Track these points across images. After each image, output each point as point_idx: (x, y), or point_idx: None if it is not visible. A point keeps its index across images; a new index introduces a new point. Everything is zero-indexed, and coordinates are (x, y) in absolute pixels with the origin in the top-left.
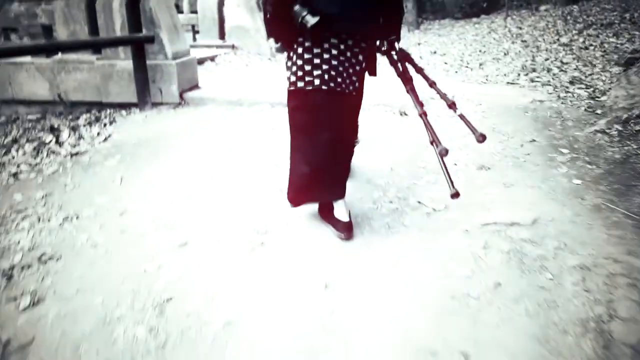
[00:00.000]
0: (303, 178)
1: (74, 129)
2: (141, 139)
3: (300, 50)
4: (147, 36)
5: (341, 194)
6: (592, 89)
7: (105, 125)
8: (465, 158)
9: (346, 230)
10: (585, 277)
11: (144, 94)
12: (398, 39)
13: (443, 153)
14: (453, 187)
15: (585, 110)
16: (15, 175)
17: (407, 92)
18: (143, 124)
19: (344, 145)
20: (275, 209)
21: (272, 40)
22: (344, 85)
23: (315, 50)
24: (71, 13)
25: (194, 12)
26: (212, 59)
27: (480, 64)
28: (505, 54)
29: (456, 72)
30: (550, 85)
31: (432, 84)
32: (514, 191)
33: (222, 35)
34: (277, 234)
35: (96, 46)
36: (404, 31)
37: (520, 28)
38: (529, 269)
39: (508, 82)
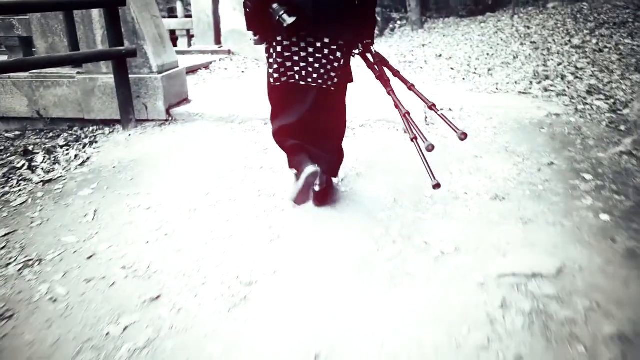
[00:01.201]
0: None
1: (49, 151)
2: (122, 162)
3: (279, 48)
4: (128, 50)
5: (329, 173)
6: (612, 101)
7: (84, 146)
8: (476, 185)
9: (317, 197)
10: (626, 352)
11: (127, 111)
12: (372, 42)
13: (430, 149)
14: (434, 178)
15: (607, 126)
16: None
17: (388, 94)
18: (125, 145)
19: (328, 135)
20: (263, 252)
21: (251, 32)
22: (320, 81)
23: (294, 49)
24: (49, 24)
25: (189, 16)
26: (207, 66)
27: (489, 70)
28: (514, 58)
29: (463, 79)
30: (566, 95)
31: (410, 87)
32: (533, 229)
33: (218, 40)
34: (263, 286)
35: (72, 62)
36: (407, 30)
37: (529, 27)
38: (556, 337)
39: (520, 92)
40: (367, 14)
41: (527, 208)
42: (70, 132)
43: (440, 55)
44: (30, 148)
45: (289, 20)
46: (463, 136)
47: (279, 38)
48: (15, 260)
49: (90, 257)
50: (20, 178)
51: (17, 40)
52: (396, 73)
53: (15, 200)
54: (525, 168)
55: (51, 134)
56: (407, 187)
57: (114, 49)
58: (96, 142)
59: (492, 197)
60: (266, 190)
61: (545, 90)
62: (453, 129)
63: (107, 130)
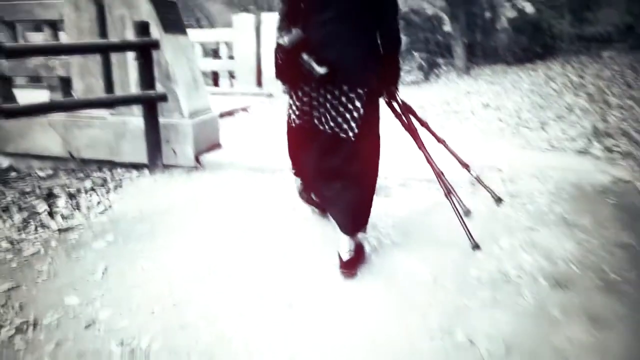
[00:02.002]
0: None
1: (72, 196)
2: (143, 211)
3: (299, 92)
4: (158, 94)
5: (344, 229)
6: None
7: (108, 191)
8: (532, 266)
9: (343, 267)
10: None
11: (155, 156)
12: (396, 89)
13: (465, 215)
14: (473, 239)
15: None
16: None
17: (419, 148)
18: (150, 192)
19: (351, 186)
20: (278, 336)
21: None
22: (337, 129)
23: (313, 94)
24: (87, 66)
25: (232, 57)
26: (245, 109)
27: (542, 124)
28: (569, 111)
29: (513, 132)
30: (634, 157)
31: (441, 141)
32: (605, 333)
33: (259, 82)
34: None
35: (100, 106)
36: (452, 76)
37: (582, 77)
38: None
39: (578, 151)
40: (391, 61)
41: (597, 303)
42: (99, 174)
43: (488, 105)
44: (55, 191)
45: (321, 70)
46: (499, 202)
47: (301, 84)
48: (10, 323)
49: (89, 326)
50: (39, 224)
51: (57, 80)
52: (424, 124)
53: (28, 249)
54: (591, 248)
55: (81, 175)
56: (450, 263)
57: (144, 93)
58: (121, 186)
59: (551, 284)
60: (290, 255)
61: (609, 150)
62: (489, 193)
63: (134, 174)
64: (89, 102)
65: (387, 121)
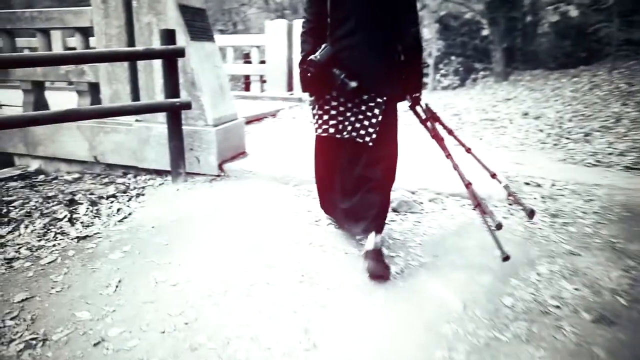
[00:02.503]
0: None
1: (93, 203)
2: (162, 221)
3: (334, 103)
4: (182, 102)
5: (363, 231)
6: None
7: (130, 198)
8: (573, 296)
9: (371, 260)
10: None
11: (178, 164)
12: (420, 95)
13: (497, 229)
14: (502, 250)
15: None
16: (9, 262)
17: (447, 157)
18: (171, 201)
19: (371, 189)
20: None
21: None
22: (354, 134)
23: (333, 103)
24: (115, 72)
25: (263, 61)
26: (274, 114)
27: (586, 135)
28: (616, 121)
29: (555, 144)
30: None
31: (468, 150)
32: None
33: (290, 87)
34: None
35: (123, 113)
36: (490, 82)
37: (631, 84)
38: None
39: (628, 167)
40: (413, 68)
41: None
42: (123, 179)
43: (527, 114)
44: (78, 197)
45: (352, 84)
46: (531, 215)
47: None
48: (20, 336)
49: (97, 343)
50: (59, 231)
51: (87, 85)
52: (450, 132)
53: (45, 257)
54: None
55: (106, 180)
56: (482, 289)
57: (168, 101)
58: (143, 194)
59: (595, 318)
60: (310, 274)
61: None
62: (520, 205)
63: (157, 181)
64: (111, 111)
65: (414, 131)
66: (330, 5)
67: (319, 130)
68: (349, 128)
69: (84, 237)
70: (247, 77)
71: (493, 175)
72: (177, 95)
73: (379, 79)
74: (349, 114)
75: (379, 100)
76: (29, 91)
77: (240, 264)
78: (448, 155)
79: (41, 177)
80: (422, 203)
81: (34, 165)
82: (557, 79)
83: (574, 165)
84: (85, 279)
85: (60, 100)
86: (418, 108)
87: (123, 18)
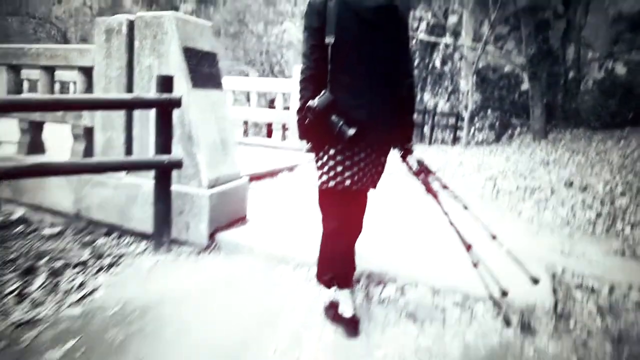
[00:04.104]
0: (337, 266)
1: (55, 273)
2: (127, 306)
3: (332, 152)
4: (172, 161)
5: (349, 282)
6: None
7: (100, 269)
8: None
9: (350, 326)
10: None
11: (162, 231)
12: (411, 145)
13: (502, 296)
14: (507, 316)
15: None
16: None
17: (444, 214)
18: (145, 278)
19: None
20: None
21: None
22: (367, 183)
23: (347, 153)
24: (110, 118)
25: (287, 108)
26: (291, 169)
27: None
28: None
29: (607, 230)
30: None
31: (465, 208)
32: None
33: None
34: None
35: (101, 170)
36: (527, 139)
37: None
38: None
39: None
40: (406, 118)
41: None
42: (104, 240)
43: (572, 183)
44: (40, 263)
45: (350, 132)
46: (535, 283)
47: (331, 145)
48: None
49: None
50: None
51: (83, 129)
52: (445, 187)
53: None
54: None
55: (87, 238)
56: None
57: (156, 158)
58: (117, 264)
59: None
60: None
61: None
62: (524, 271)
63: (139, 247)
64: (86, 166)
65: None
66: (332, 54)
67: (332, 183)
68: (364, 179)
69: (26, 322)
70: (270, 124)
71: (493, 237)
72: (168, 151)
73: (385, 129)
74: (362, 165)
75: (385, 148)
76: (26, 131)
77: None
78: (446, 213)
79: (21, 227)
80: (444, 310)
81: (18, 212)
82: (602, 141)
83: (636, 263)
84: None
85: (65, 133)
86: (410, 159)
87: (125, 59)
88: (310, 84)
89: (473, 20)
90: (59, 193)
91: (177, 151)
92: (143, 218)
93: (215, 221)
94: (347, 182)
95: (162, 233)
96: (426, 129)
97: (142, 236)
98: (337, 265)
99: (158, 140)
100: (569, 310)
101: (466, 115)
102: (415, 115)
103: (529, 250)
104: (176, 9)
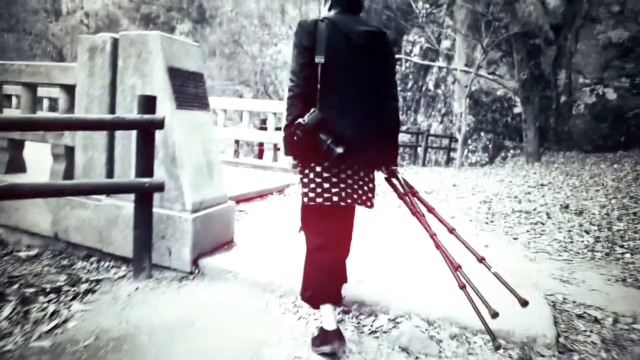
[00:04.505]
0: (320, 282)
1: (25, 301)
2: (100, 338)
3: (318, 168)
4: (153, 184)
5: (338, 298)
6: None
7: (75, 297)
8: None
9: (334, 339)
10: None
11: (142, 257)
12: (396, 166)
13: (492, 317)
14: (495, 339)
15: None
16: None
17: (431, 237)
18: (123, 305)
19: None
20: None
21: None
22: (359, 201)
23: (333, 170)
24: (92, 137)
25: (279, 128)
26: (281, 190)
27: None
28: None
29: (607, 254)
30: None
31: (451, 231)
32: None
33: None
34: None
35: (77, 193)
36: (521, 162)
37: None
38: None
39: None
40: (392, 140)
41: None
42: (84, 264)
43: (567, 207)
44: (10, 290)
45: (338, 150)
46: (525, 305)
47: (318, 162)
48: None
49: None
50: None
51: (64, 148)
52: (431, 209)
53: None
54: None
55: (65, 261)
56: None
57: (136, 180)
58: (94, 291)
59: None
60: None
61: None
62: (514, 295)
63: (119, 272)
64: (61, 188)
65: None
66: (321, 74)
67: (314, 197)
68: (355, 196)
69: None
70: (261, 144)
71: (481, 260)
72: (149, 174)
73: (373, 147)
74: (350, 181)
75: (371, 167)
76: (5, 149)
77: None
78: (432, 235)
79: None
80: (441, 341)
81: None
82: (595, 164)
83: (639, 291)
84: None
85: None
86: (395, 181)
87: (108, 78)
88: (298, 102)
89: (466, 45)
90: (36, 214)
91: (160, 173)
92: (124, 242)
93: (199, 246)
94: (335, 198)
95: (142, 259)
96: (420, 150)
97: (123, 260)
98: (319, 282)
99: (139, 163)
100: (571, 342)
101: (460, 137)
102: (408, 137)
103: (526, 276)
104: (173, 29)
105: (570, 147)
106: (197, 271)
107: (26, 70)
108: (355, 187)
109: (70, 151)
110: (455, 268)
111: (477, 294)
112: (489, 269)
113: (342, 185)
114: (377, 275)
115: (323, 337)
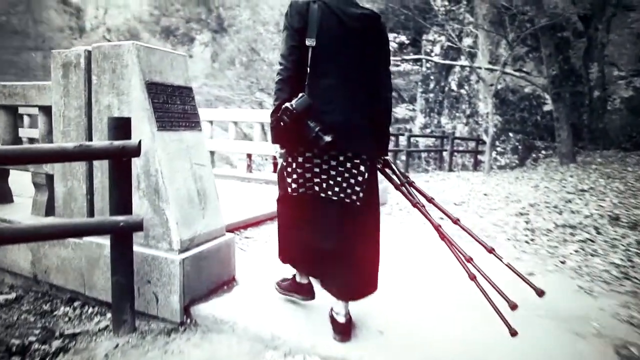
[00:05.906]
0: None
1: None
2: None
3: (300, 159)
4: (129, 223)
5: (347, 295)
6: None
7: (46, 356)
8: None
9: (343, 330)
10: None
11: (122, 307)
12: (387, 155)
13: (512, 309)
14: (511, 328)
15: None
16: None
17: (436, 229)
18: None
19: (353, 254)
20: None
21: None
22: (342, 195)
23: (315, 160)
24: (71, 166)
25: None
26: None
27: None
28: None
29: None
30: None
31: (455, 222)
32: None
33: None
34: None
35: (39, 239)
36: (554, 163)
37: None
38: None
39: None
40: (382, 130)
41: None
42: (66, 309)
43: (617, 219)
44: None
45: (327, 138)
46: (541, 295)
47: (302, 150)
48: None
49: None
50: None
51: (44, 177)
52: (430, 199)
53: None
54: None
55: (47, 306)
56: None
57: (109, 219)
58: (66, 350)
59: None
60: None
61: None
62: (529, 285)
63: (101, 322)
64: (22, 233)
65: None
66: (312, 57)
67: (297, 188)
68: (336, 187)
69: None
70: (250, 155)
71: (490, 251)
72: (126, 210)
73: (363, 136)
74: (333, 173)
75: (363, 156)
76: None
77: None
78: (437, 227)
79: None
80: None
81: None
82: (637, 164)
83: None
84: None
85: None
86: (389, 171)
87: (84, 98)
88: (286, 86)
89: (489, 42)
90: (17, 252)
91: (143, 207)
92: (107, 285)
93: (191, 291)
94: (310, 189)
95: (122, 310)
96: (445, 155)
97: (107, 306)
98: (292, 251)
99: (112, 197)
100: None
101: (487, 139)
102: (432, 141)
103: (583, 315)
104: (193, 40)
105: (607, 145)
106: (188, 321)
107: (3, 92)
108: (339, 179)
109: (51, 180)
110: (467, 260)
111: (493, 287)
112: (501, 260)
113: (324, 177)
114: (403, 323)
115: (294, 286)
